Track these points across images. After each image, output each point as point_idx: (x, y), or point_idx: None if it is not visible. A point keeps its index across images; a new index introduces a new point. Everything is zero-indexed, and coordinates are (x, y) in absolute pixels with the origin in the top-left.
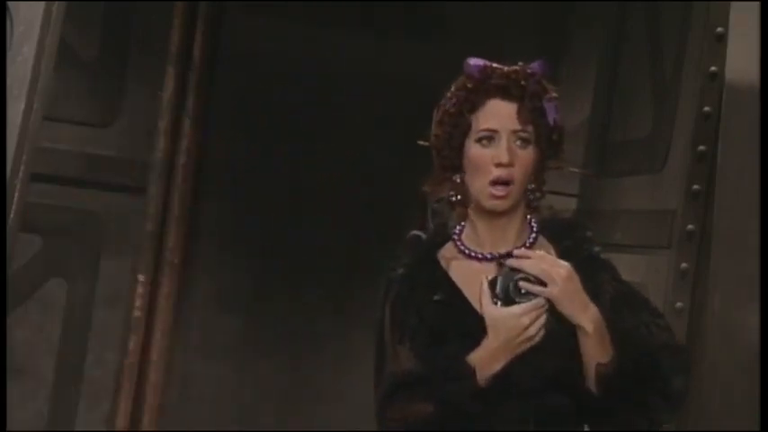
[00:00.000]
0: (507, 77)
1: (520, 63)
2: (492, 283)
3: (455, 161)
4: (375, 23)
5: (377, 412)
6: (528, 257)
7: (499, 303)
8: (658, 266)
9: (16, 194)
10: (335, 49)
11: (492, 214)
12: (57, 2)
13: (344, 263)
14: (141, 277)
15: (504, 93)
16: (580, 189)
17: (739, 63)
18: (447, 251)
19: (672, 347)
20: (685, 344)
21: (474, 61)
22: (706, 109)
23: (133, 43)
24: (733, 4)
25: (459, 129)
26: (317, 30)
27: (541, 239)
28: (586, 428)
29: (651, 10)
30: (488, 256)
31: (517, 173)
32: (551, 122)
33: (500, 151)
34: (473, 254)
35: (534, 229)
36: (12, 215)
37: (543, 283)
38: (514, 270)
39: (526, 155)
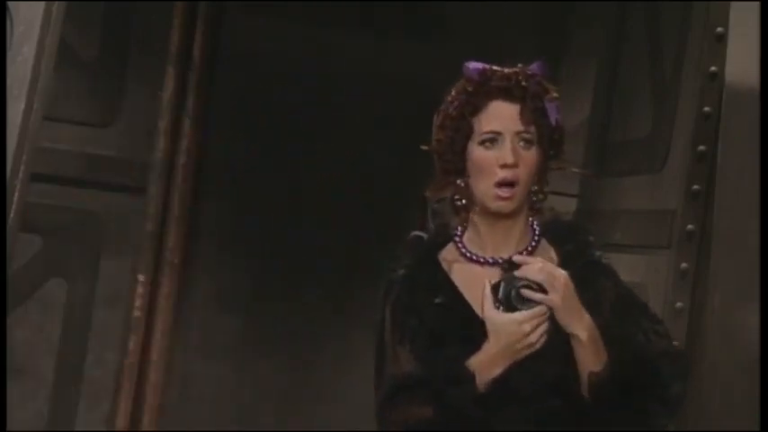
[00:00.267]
0: (508, 79)
1: (519, 64)
2: (494, 289)
3: (458, 165)
4: (375, 23)
5: (377, 414)
6: (527, 263)
7: (501, 309)
8: (658, 266)
9: (16, 194)
10: (335, 49)
11: (496, 216)
12: (57, 2)
13: (344, 263)
14: (141, 277)
15: (506, 94)
16: (580, 189)
17: (739, 63)
18: (448, 253)
19: (671, 354)
20: (684, 349)
21: (473, 64)
22: (706, 109)
23: (133, 43)
24: (733, 4)
25: (462, 132)
26: (317, 30)
27: (543, 242)
28: None
29: (651, 10)
30: (490, 260)
31: (522, 174)
32: (553, 122)
33: (504, 152)
34: (475, 257)
35: (536, 232)
36: (12, 215)
37: (545, 291)
38: (517, 276)
39: (530, 156)
